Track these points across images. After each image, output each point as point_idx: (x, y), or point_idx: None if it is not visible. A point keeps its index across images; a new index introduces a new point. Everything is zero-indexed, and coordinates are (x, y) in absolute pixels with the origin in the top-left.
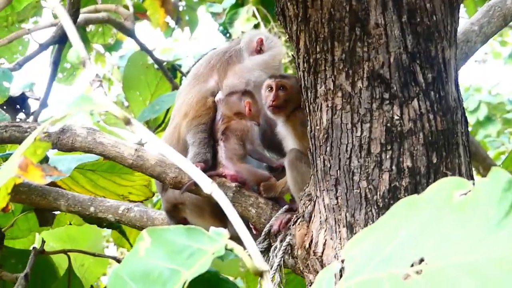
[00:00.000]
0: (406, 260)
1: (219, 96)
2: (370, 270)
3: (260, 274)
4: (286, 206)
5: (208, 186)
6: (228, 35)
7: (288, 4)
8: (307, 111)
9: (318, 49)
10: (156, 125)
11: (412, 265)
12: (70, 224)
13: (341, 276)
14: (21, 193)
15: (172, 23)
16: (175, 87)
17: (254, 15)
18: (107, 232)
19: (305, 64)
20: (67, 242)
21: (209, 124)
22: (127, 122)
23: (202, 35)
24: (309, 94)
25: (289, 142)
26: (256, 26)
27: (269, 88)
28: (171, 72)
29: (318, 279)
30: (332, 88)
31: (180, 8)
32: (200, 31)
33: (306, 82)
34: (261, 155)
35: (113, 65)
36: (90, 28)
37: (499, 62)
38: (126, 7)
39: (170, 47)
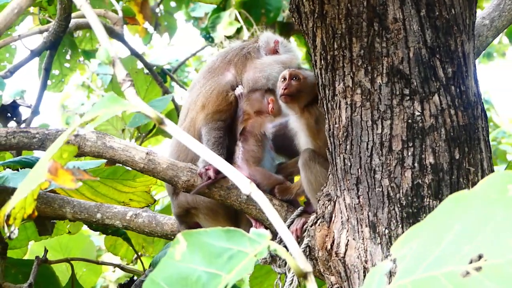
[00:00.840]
0: (463, 257)
1: (240, 90)
2: (424, 268)
3: (303, 275)
4: (301, 208)
5: (246, 186)
6: (210, 39)
7: (304, 0)
8: (325, 110)
9: (335, 46)
10: (147, 131)
11: (470, 262)
12: (69, 232)
13: (391, 276)
14: None
15: (150, 29)
16: (166, 92)
17: (236, 19)
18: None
19: (322, 61)
20: (60, 252)
21: (228, 121)
22: (160, 122)
23: (180, 41)
24: (327, 92)
25: (302, 139)
26: (239, 30)
27: (283, 79)
28: (161, 77)
29: (367, 281)
30: (351, 85)
31: (159, 14)
32: (178, 37)
33: (323, 79)
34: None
35: (92, 72)
36: (78, 33)
37: None
38: (115, 11)
39: (147, 54)
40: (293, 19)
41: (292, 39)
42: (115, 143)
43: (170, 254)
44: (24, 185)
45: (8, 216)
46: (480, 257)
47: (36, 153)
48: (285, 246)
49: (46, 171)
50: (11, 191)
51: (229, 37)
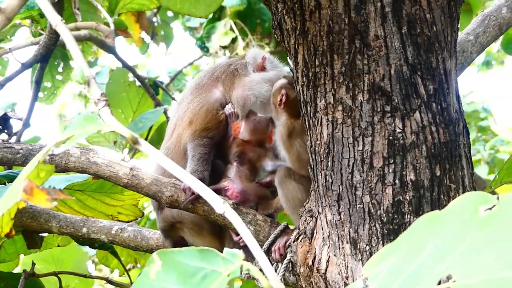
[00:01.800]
0: (433, 277)
1: (230, 109)
2: None
3: None
4: (284, 224)
5: (220, 206)
6: (205, 49)
7: (286, 17)
8: (307, 126)
9: (317, 63)
10: None
11: (439, 283)
12: (59, 246)
13: None
14: None
15: (147, 39)
16: (158, 104)
17: (231, 29)
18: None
19: (304, 78)
20: (52, 264)
21: (215, 138)
22: (135, 142)
23: (177, 51)
24: (308, 108)
25: (281, 152)
26: (234, 40)
27: (278, 89)
28: (153, 89)
29: None
30: (332, 102)
31: (155, 24)
32: (175, 47)
33: (305, 96)
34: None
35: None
36: None
37: (472, 69)
38: (107, 24)
39: (143, 63)
40: (275, 36)
41: None
42: (98, 158)
43: (145, 273)
44: (1, 204)
45: None
46: (449, 277)
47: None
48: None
49: (21, 191)
50: None
51: (224, 47)
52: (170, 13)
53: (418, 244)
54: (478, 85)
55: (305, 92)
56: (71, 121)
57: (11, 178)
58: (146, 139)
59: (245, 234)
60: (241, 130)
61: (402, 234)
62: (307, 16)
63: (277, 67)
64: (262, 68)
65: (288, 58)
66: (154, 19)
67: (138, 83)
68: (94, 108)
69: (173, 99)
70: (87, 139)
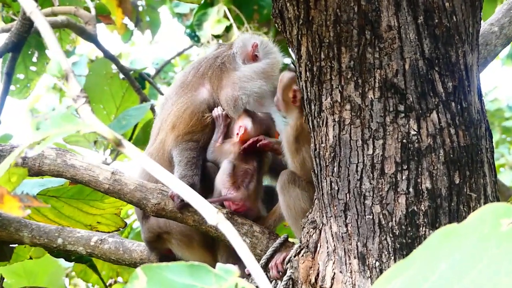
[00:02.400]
0: None
1: (219, 111)
2: None
3: None
4: (284, 236)
5: (213, 216)
6: (196, 38)
7: (288, 4)
8: (310, 127)
9: (322, 56)
10: None
11: None
12: (31, 258)
13: None
14: None
15: (131, 25)
16: (144, 99)
17: (225, 16)
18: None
19: (307, 73)
20: (24, 278)
21: (201, 142)
22: (118, 144)
23: (164, 39)
24: (312, 107)
25: (286, 154)
26: (228, 28)
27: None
28: (138, 82)
29: None
30: (339, 100)
31: (140, 8)
32: (162, 34)
33: (309, 93)
34: None
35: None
36: None
37: (496, 63)
38: (87, 9)
39: (126, 52)
40: (276, 25)
41: None
42: (76, 161)
43: None
44: None
45: None
46: None
47: None
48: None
49: None
50: None
51: (217, 37)
52: None
53: (433, 261)
54: (503, 80)
55: (308, 89)
56: (44, 117)
57: None
58: (130, 138)
59: (241, 248)
60: (249, 129)
61: (415, 250)
62: (312, 3)
63: (271, 53)
64: (254, 58)
65: (290, 50)
66: (139, 3)
67: (122, 76)
68: (71, 104)
69: (161, 93)
70: (64, 138)
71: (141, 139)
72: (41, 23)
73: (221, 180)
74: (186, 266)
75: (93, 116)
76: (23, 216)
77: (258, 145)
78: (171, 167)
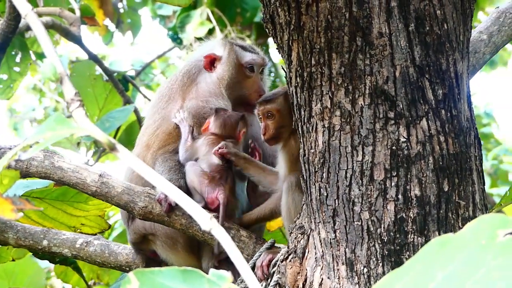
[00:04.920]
0: None
1: (181, 116)
2: None
3: None
4: (271, 241)
5: (207, 222)
6: (178, 40)
7: (279, 9)
8: (300, 133)
9: (313, 62)
10: None
11: None
12: (13, 260)
13: None
14: None
15: (112, 27)
16: (127, 101)
17: (208, 19)
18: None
19: (298, 78)
20: (5, 279)
21: (176, 147)
22: (112, 147)
23: (143, 41)
24: (302, 113)
25: (281, 170)
26: (211, 31)
27: (259, 117)
28: (122, 84)
29: None
30: (329, 106)
31: (121, 10)
32: (143, 35)
33: (299, 99)
34: None
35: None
36: (30, 34)
37: None
38: (72, 10)
39: (105, 54)
40: (266, 30)
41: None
42: (64, 163)
43: None
44: None
45: None
46: None
47: None
48: None
49: None
50: None
51: (199, 39)
52: None
53: (428, 272)
54: (480, 86)
55: (299, 95)
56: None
57: None
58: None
59: (234, 254)
60: (210, 125)
61: (410, 259)
62: (303, 9)
63: (223, 63)
64: (210, 69)
65: (280, 55)
66: (120, 5)
67: (105, 77)
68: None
69: (144, 96)
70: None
71: (124, 141)
72: (36, 26)
73: (198, 181)
74: (179, 271)
75: (87, 120)
76: (15, 219)
77: (218, 152)
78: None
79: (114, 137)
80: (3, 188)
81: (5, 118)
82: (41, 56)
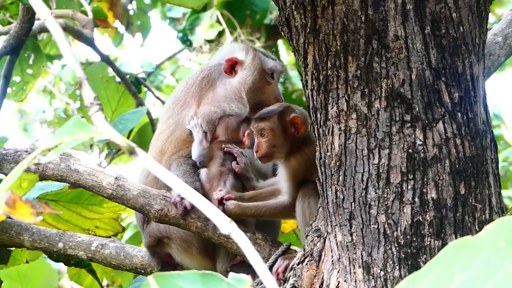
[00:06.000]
0: None
1: (194, 122)
2: None
3: None
4: (286, 244)
5: (226, 225)
6: (188, 42)
7: (295, 13)
8: (316, 135)
9: (329, 65)
10: (118, 147)
11: None
12: (27, 262)
13: None
14: None
15: (121, 29)
16: (140, 103)
17: (218, 21)
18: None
19: (314, 81)
20: (18, 281)
21: (190, 152)
22: (132, 151)
23: (154, 41)
24: (318, 115)
25: (283, 184)
26: (221, 34)
27: (253, 134)
28: (135, 86)
29: None
30: (345, 109)
31: (131, 12)
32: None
33: (315, 102)
34: None
35: (55, 75)
36: (42, 36)
37: None
38: (85, 12)
39: (114, 56)
40: (282, 33)
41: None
42: (80, 166)
43: None
44: None
45: None
46: None
47: None
48: None
49: (3, 204)
50: None
51: (209, 41)
52: (147, 0)
53: (446, 275)
54: (490, 88)
55: (315, 98)
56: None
57: None
58: None
59: (253, 257)
60: (217, 132)
61: (428, 262)
62: (319, 12)
63: (245, 68)
64: (230, 73)
65: (296, 58)
66: (130, 7)
67: (118, 79)
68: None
69: (158, 98)
70: None
71: (136, 143)
72: (55, 30)
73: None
74: (198, 275)
75: (106, 123)
76: (35, 222)
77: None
78: (165, 187)
79: (127, 138)
80: (22, 191)
81: (15, 120)
82: (52, 58)
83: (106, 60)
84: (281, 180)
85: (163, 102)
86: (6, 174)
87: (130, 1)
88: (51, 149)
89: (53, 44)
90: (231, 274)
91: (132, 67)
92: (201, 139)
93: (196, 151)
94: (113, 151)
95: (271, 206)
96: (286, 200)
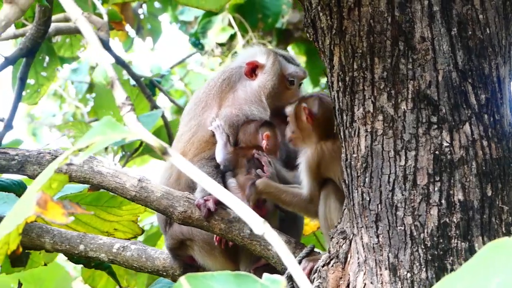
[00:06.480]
0: None
1: (216, 123)
2: None
3: None
4: (310, 246)
5: (259, 226)
6: (200, 46)
7: (320, 14)
8: (342, 137)
9: (355, 66)
10: (132, 149)
11: None
12: (45, 265)
13: None
14: None
15: (132, 32)
16: (154, 106)
17: (230, 24)
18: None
19: (340, 83)
20: (32, 284)
21: (212, 154)
22: (164, 152)
23: (163, 45)
24: (344, 117)
25: (303, 180)
26: (232, 37)
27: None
28: (149, 89)
29: None
30: (371, 110)
31: (141, 16)
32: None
33: (341, 103)
34: None
35: (65, 79)
36: (56, 38)
37: None
38: (100, 15)
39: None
40: (307, 35)
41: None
42: (103, 167)
43: None
44: (10, 219)
45: None
46: None
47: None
48: None
49: (34, 204)
50: None
51: (221, 45)
52: (157, 4)
53: (485, 276)
54: None
55: (340, 99)
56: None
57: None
58: (139, 146)
59: (288, 258)
60: (238, 136)
61: (464, 264)
62: (345, 13)
63: (265, 72)
64: (251, 76)
65: (322, 60)
66: (140, 11)
67: (132, 82)
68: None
69: (173, 101)
70: (72, 144)
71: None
72: (87, 31)
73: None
74: (231, 276)
75: (139, 124)
76: (66, 223)
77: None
78: (188, 189)
79: (141, 142)
80: (52, 192)
81: (24, 124)
82: (64, 61)
83: (121, 63)
84: (301, 172)
85: (176, 105)
86: (29, 176)
87: (140, 5)
88: (82, 149)
89: (67, 46)
90: (265, 275)
91: (142, 71)
92: (225, 142)
93: (220, 155)
94: (127, 153)
95: (289, 193)
96: (303, 193)
